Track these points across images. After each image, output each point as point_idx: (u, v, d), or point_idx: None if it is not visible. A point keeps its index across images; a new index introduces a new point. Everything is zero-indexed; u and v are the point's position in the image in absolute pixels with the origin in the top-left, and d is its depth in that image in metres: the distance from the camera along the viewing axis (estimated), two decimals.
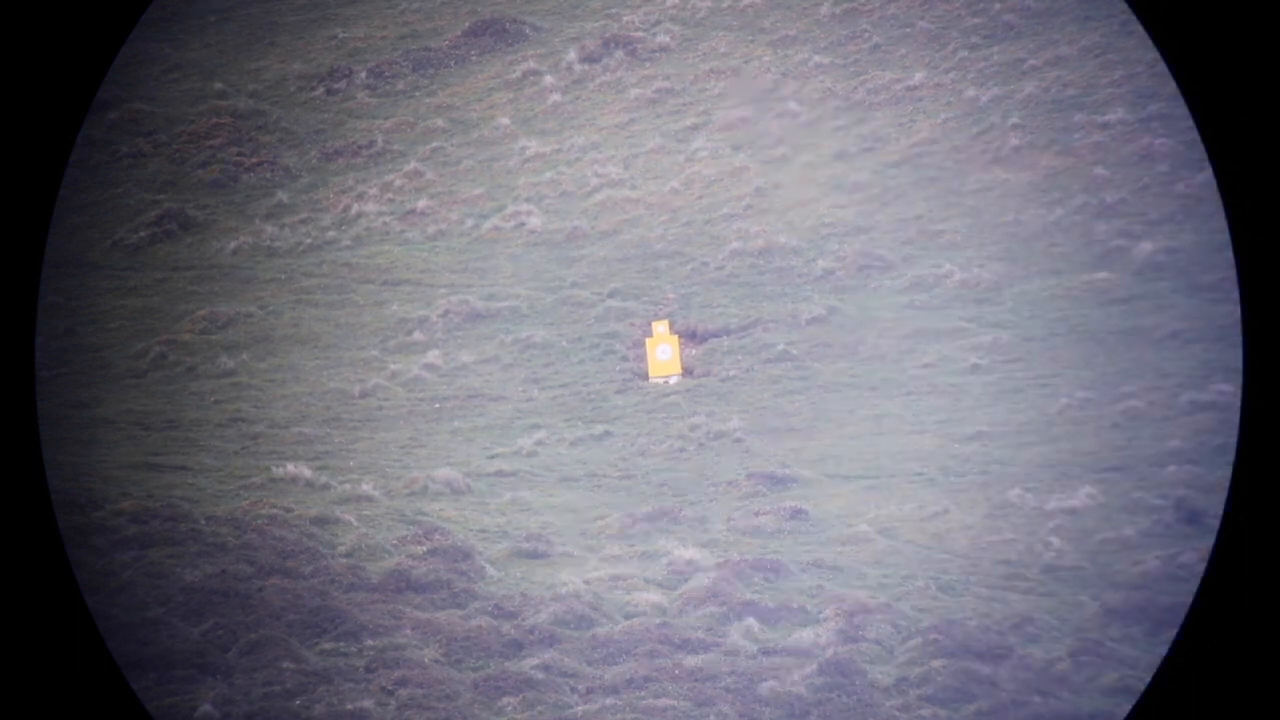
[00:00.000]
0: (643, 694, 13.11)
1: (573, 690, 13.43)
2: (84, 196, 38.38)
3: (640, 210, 35.51)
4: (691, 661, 13.76)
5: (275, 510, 17.97)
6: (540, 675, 13.53)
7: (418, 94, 42.84)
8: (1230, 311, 25.21)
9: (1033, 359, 26.35)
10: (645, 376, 27.76)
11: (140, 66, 44.06)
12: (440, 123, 40.89)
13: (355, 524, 18.20)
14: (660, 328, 28.31)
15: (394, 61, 44.09)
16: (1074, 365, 25.75)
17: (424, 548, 17.12)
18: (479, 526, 19.15)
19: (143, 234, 37.62)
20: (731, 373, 27.61)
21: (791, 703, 12.99)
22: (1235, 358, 23.39)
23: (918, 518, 19.12)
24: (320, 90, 43.67)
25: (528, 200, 36.48)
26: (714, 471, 22.40)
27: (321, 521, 18.06)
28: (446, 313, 31.26)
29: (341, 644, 14.38)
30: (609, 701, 13.11)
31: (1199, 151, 28.99)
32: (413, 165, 38.85)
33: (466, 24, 44.79)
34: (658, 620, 15.04)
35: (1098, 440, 21.95)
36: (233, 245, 36.48)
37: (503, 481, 22.09)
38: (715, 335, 29.30)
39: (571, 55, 42.54)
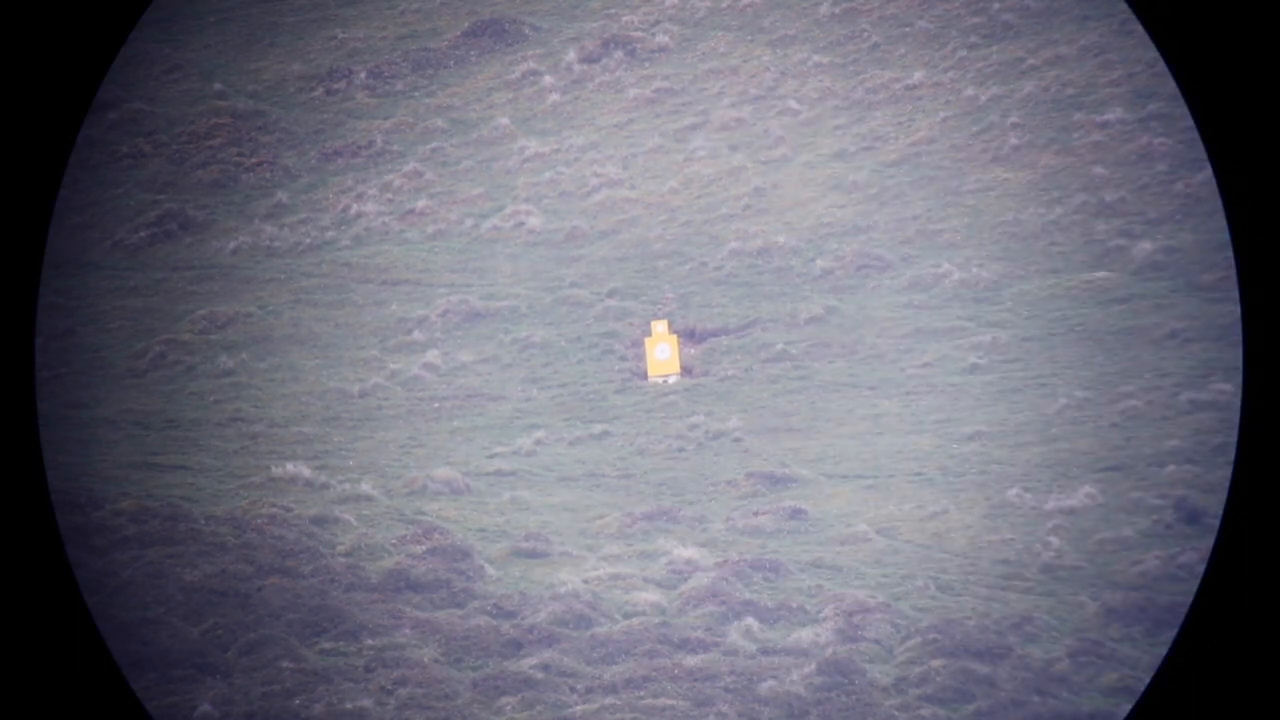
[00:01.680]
0: (642, 694, 13.10)
1: (572, 690, 13.41)
2: (84, 196, 38.35)
3: (639, 210, 35.50)
4: (691, 661, 13.75)
5: (274, 510, 17.95)
6: (539, 675, 13.52)
7: (417, 94, 42.84)
8: (1230, 311, 25.22)
9: (1031, 358, 26.34)
10: (644, 376, 27.74)
11: (140, 67, 44.04)
12: (439, 122, 40.89)
13: (354, 523, 18.19)
14: (659, 327, 28.29)
15: (393, 62, 44.09)
16: (1073, 365, 25.73)
17: (423, 547, 17.11)
18: (478, 526, 19.13)
19: (143, 234, 37.60)
20: (730, 372, 27.60)
21: (791, 702, 12.98)
22: (1235, 357, 23.39)
23: (917, 517, 19.10)
24: (319, 90, 43.65)
25: (527, 200, 36.47)
26: (713, 471, 22.38)
27: (321, 521, 18.05)
28: (446, 312, 31.24)
29: (341, 643, 14.36)
30: (608, 701, 13.09)
31: (1198, 151, 29.00)
32: (412, 166, 38.84)
33: (465, 24, 44.79)
34: (657, 620, 15.03)
35: (1097, 440, 21.94)
36: (232, 245, 36.46)
37: (502, 481, 22.07)
38: (714, 335, 29.29)
39: (571, 55, 42.53)
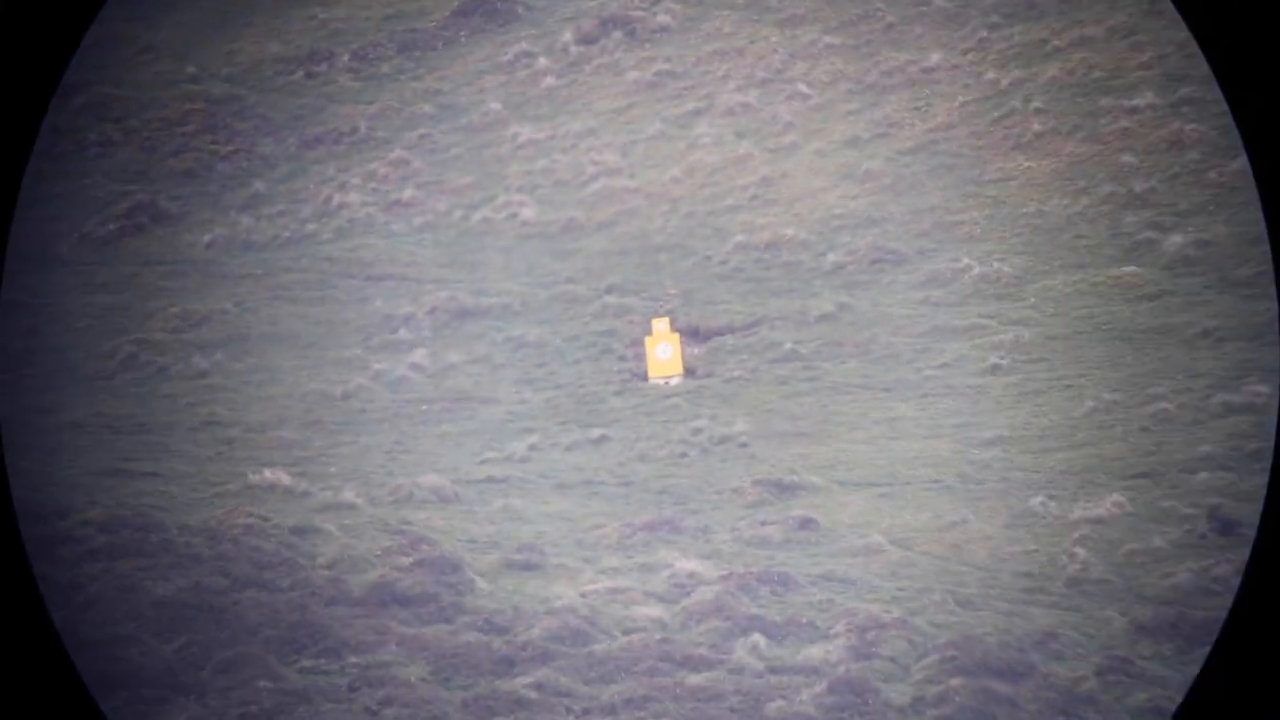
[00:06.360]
0: (643, 714, 13.09)
1: (568, 710, 13.41)
2: (49, 187, 38.32)
3: (639, 201, 35.55)
4: (694, 680, 13.74)
5: (251, 519, 17.93)
6: (533, 695, 13.51)
7: (403, 77, 42.92)
8: (1266, 308, 25.25)
9: (1056, 359, 26.36)
10: (644, 377, 27.74)
11: (109, 49, 44.04)
12: (427, 108, 40.96)
13: (336, 534, 18.17)
14: (660, 325, 28.29)
15: (378, 43, 44.18)
16: (1100, 365, 25.75)
17: (410, 559, 17.09)
18: (468, 536, 19.12)
19: (112, 227, 37.67)
20: (736, 373, 27.60)
21: None
22: (1271, 357, 23.44)
23: (934, 527, 19.10)
24: (299, 74, 43.72)
25: (520, 190, 36.53)
26: (717, 478, 22.36)
27: (301, 531, 18.03)
28: (434, 310, 31.26)
29: (322, 661, 14.35)
30: None
31: (1233, 138, 28.98)
32: (398, 153, 38.91)
33: (455, 3, 44.90)
34: (658, 636, 15.02)
35: (1125, 445, 21.95)
36: (207, 238, 36.54)
37: (493, 488, 22.05)
38: (719, 334, 29.30)
39: (567, 36, 42.61)
